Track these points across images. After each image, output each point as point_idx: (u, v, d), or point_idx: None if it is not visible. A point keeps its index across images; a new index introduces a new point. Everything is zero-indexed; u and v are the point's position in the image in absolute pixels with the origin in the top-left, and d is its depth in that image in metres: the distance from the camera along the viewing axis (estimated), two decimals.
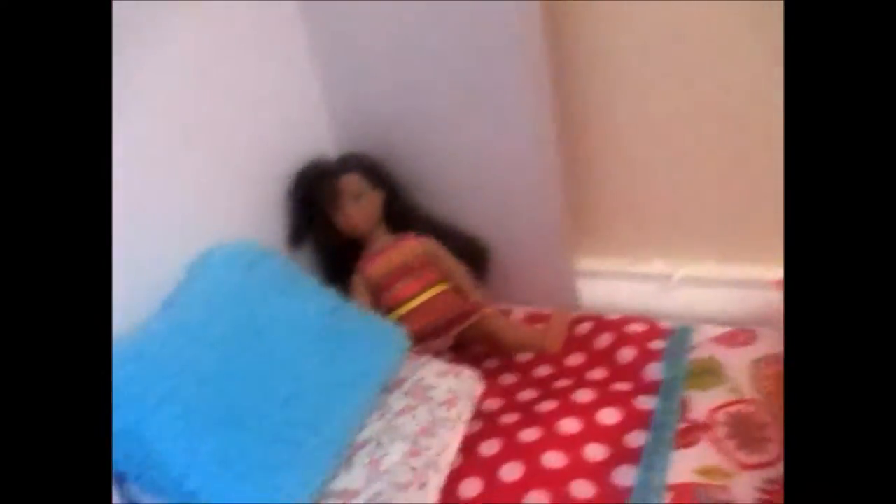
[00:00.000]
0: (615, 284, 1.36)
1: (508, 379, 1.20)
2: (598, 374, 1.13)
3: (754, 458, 0.90)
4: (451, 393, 1.06)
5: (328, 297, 1.13)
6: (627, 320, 1.23)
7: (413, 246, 1.33)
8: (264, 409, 0.91)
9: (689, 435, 0.96)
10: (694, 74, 1.20)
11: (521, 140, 1.26)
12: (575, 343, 1.23)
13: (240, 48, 1.22)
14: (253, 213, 1.27)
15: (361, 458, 0.97)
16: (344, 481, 0.94)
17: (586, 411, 1.03)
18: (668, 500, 0.87)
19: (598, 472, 0.93)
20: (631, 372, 1.11)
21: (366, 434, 1.01)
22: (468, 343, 1.30)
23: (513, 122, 1.25)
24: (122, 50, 0.99)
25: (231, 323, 0.98)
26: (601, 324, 1.24)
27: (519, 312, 1.37)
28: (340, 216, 1.29)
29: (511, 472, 0.95)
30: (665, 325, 1.20)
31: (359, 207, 1.28)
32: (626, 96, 1.26)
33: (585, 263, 1.38)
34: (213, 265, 1.08)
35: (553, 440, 0.99)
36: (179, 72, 1.11)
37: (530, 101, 1.21)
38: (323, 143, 1.41)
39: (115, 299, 0.98)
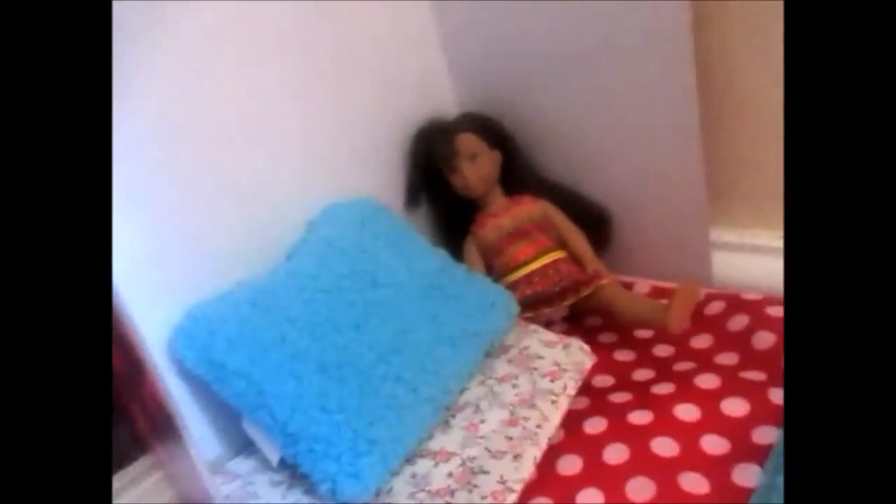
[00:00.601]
0: (756, 260, 1.20)
1: (624, 355, 1.11)
2: (726, 359, 1.01)
3: None
4: (556, 365, 1.01)
5: (438, 256, 1.12)
6: (768, 301, 1.08)
7: (529, 209, 1.28)
8: (366, 362, 0.93)
9: None
10: None
11: (656, 97, 1.13)
12: (703, 323, 1.10)
13: (362, 7, 1.22)
14: (375, 171, 1.29)
15: (459, 421, 0.96)
16: (441, 441, 0.94)
17: (709, 399, 0.93)
18: None
19: (716, 467, 0.83)
20: (767, 360, 0.98)
21: (467, 397, 1.00)
22: (583, 314, 1.23)
23: (646, 78, 1.13)
24: (246, 6, 1.03)
25: (342, 276, 1.01)
26: (736, 303, 1.11)
27: (643, 286, 1.26)
28: (455, 176, 1.26)
29: (615, 454, 0.88)
30: None
31: (474, 167, 1.25)
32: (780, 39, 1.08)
33: (722, 235, 1.23)
34: (330, 220, 1.12)
35: (666, 426, 0.90)
36: (302, 30, 1.13)
37: (667, 54, 1.09)
38: (445, 102, 1.39)
39: (247, 252, 1.07)
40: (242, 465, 0.99)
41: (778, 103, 1.13)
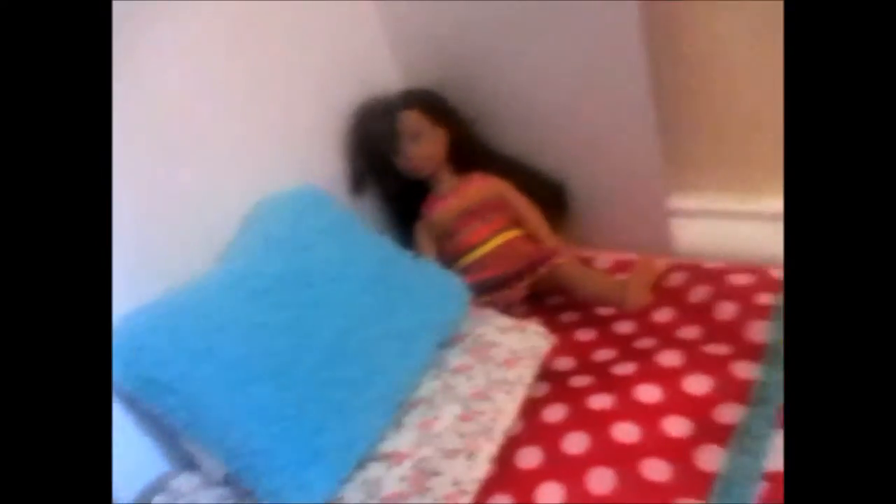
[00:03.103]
0: (717, 226, 1.16)
1: (585, 335, 1.06)
2: (689, 333, 0.97)
3: None
4: (512, 352, 0.96)
5: (382, 245, 1.06)
6: (730, 269, 1.04)
7: (480, 187, 1.21)
8: (306, 367, 0.86)
9: None
10: None
11: (606, 64, 1.07)
12: (665, 296, 1.06)
13: None
14: (316, 157, 1.21)
15: (413, 419, 0.91)
16: (393, 443, 0.88)
17: (670, 377, 0.88)
18: (763, 491, 0.72)
19: (678, 452, 0.79)
20: (730, 332, 0.94)
21: (420, 392, 0.95)
22: (544, 294, 1.18)
23: (595, 44, 1.07)
24: None
25: (275, 276, 0.94)
26: (698, 273, 1.06)
27: (604, 259, 1.21)
28: (399, 158, 1.19)
29: (575, 443, 0.84)
30: (777, 275, 1.00)
31: (419, 147, 1.18)
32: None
33: (681, 201, 1.18)
34: (265, 213, 1.05)
35: (627, 410, 0.86)
36: (233, 9, 1.04)
37: (616, 19, 1.02)
38: (387, 78, 1.31)
39: (186, 253, 0.99)
40: (188, 481, 0.93)
41: (735, 65, 1.08)
